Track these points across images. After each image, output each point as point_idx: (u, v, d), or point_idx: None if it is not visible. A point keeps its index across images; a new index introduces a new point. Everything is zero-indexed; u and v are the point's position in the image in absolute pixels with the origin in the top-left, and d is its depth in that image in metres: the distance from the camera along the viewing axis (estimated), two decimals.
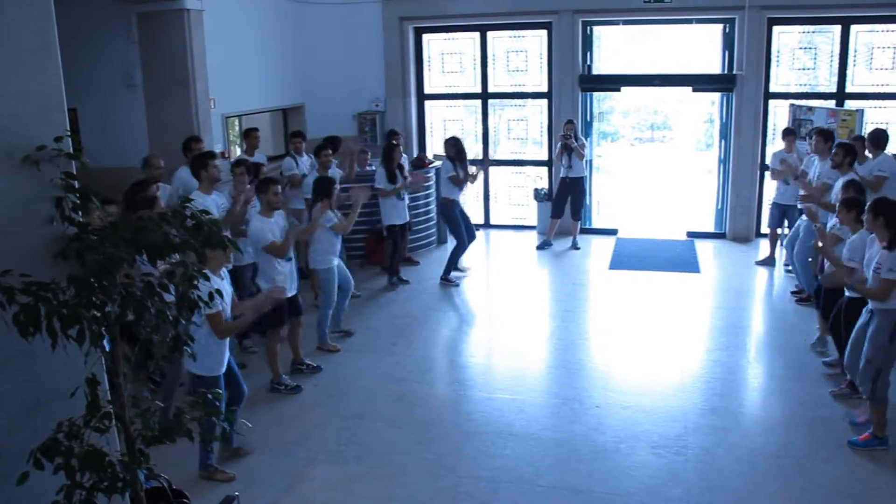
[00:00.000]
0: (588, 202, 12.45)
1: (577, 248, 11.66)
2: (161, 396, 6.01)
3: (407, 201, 9.98)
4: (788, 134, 10.06)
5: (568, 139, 11.25)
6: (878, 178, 8.18)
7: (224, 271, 5.61)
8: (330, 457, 5.84)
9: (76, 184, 3.23)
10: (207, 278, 3.33)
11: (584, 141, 11.71)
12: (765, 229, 10.70)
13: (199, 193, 6.93)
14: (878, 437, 5.73)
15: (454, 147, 10.08)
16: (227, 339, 5.50)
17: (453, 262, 10.21)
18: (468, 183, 10.23)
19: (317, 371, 7.41)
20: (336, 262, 7.80)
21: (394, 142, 10.02)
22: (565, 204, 11.73)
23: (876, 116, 10.88)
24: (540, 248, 11.80)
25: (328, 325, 7.96)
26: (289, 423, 6.39)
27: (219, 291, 3.56)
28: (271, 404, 6.73)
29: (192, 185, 7.43)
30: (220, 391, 4.08)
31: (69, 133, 3.30)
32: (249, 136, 9.47)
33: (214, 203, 6.92)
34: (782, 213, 10.05)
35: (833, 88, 11.38)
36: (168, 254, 3.15)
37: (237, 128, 10.88)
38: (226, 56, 9.92)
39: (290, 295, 6.91)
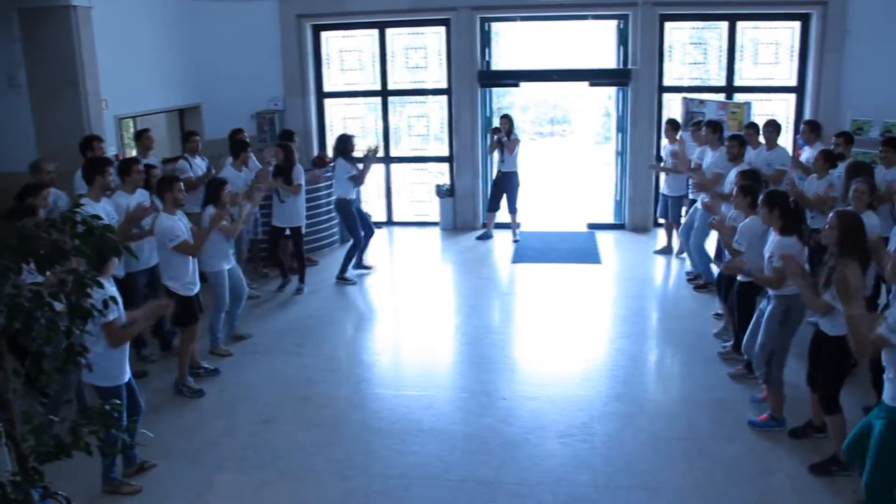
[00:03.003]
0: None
1: (517, 241, 11.72)
2: (49, 409, 5.74)
3: (296, 206, 9.58)
4: (672, 126, 10.38)
5: (498, 132, 11.41)
6: (779, 172, 8.52)
7: (110, 278, 5.39)
8: (238, 463, 5.73)
9: None
10: (101, 286, 3.20)
11: (518, 137, 11.79)
12: (662, 219, 11.00)
13: (88, 200, 6.54)
14: (775, 418, 5.96)
15: (339, 144, 9.94)
16: (127, 348, 5.32)
17: (349, 260, 10.07)
18: (370, 162, 10.07)
19: (214, 374, 7.26)
20: (227, 266, 7.61)
21: (279, 142, 9.93)
22: (500, 198, 11.81)
23: (762, 109, 11.31)
24: (480, 238, 11.92)
25: (220, 330, 7.76)
26: (195, 431, 6.24)
27: (114, 298, 3.43)
28: (177, 412, 6.56)
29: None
30: (120, 402, 3.93)
31: None
32: (142, 137, 9.10)
33: (104, 210, 6.57)
34: (667, 203, 10.39)
35: (722, 82, 11.82)
36: (58, 262, 3.02)
37: (131, 129, 10.53)
38: (118, 55, 9.58)
39: (194, 293, 6.88)
